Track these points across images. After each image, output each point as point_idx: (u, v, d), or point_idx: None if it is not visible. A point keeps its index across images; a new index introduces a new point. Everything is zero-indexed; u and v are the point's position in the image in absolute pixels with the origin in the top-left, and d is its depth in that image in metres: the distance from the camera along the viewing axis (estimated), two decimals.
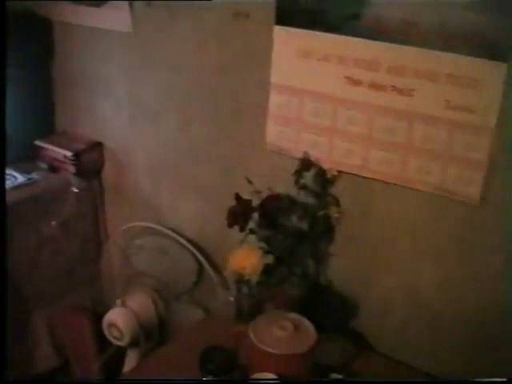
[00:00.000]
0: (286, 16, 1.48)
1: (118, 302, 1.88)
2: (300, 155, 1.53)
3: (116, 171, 2.08)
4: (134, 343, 1.88)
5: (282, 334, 1.31)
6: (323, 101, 1.49)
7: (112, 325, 1.86)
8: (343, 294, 1.57)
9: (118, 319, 1.85)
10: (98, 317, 1.92)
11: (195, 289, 1.89)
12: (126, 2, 1.78)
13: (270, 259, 1.49)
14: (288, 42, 1.50)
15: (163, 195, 1.97)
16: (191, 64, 1.73)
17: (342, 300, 1.56)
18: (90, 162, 2.05)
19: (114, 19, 1.84)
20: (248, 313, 1.45)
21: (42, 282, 2.00)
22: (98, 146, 2.06)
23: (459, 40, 1.25)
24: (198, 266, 1.84)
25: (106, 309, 1.91)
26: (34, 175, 2.00)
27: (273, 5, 1.48)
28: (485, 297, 1.38)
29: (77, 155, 1.99)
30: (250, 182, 1.50)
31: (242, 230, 1.47)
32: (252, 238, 1.51)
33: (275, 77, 1.55)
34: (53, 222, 2.00)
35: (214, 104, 1.73)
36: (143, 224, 1.95)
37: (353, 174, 1.49)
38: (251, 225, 1.49)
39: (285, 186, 1.53)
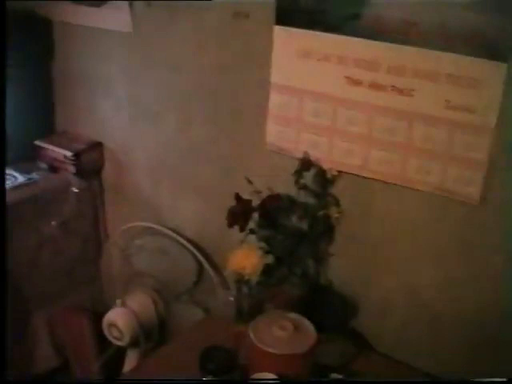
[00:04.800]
0: (286, 16, 1.48)
1: (118, 302, 1.88)
2: (300, 155, 1.53)
3: (116, 171, 2.08)
4: (134, 343, 1.88)
5: (281, 334, 1.31)
6: (323, 101, 1.49)
7: (112, 325, 1.86)
8: (343, 293, 1.57)
9: (118, 319, 1.85)
10: (97, 317, 1.92)
11: (195, 289, 1.89)
12: (126, 2, 1.78)
13: (269, 259, 1.49)
14: (288, 42, 1.50)
15: (163, 195, 1.97)
16: (191, 64, 1.73)
17: (342, 300, 1.56)
18: (90, 162, 2.05)
19: (114, 19, 1.84)
20: (248, 313, 1.45)
21: (41, 282, 2.00)
22: (98, 146, 2.06)
23: (459, 40, 1.25)
24: (198, 266, 1.84)
25: (106, 309, 1.91)
26: (34, 175, 2.00)
27: (273, 5, 1.48)
28: (485, 297, 1.38)
29: (77, 155, 1.99)
30: (250, 181, 1.50)
31: (242, 230, 1.47)
32: (252, 237, 1.51)
33: (275, 77, 1.55)
34: (53, 222, 2.00)
35: (214, 104, 1.73)
36: (143, 224, 1.95)
37: (353, 174, 1.49)
38: (251, 225, 1.49)
39: (285, 186, 1.53)
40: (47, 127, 2.13)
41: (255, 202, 1.50)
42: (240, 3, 1.56)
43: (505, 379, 1.21)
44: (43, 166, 2.05)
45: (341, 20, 1.39)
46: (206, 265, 1.82)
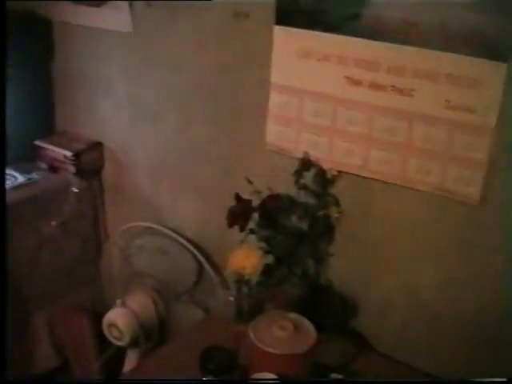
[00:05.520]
0: (286, 16, 1.48)
1: (118, 302, 1.88)
2: (300, 155, 1.53)
3: (116, 171, 2.08)
4: (134, 343, 1.88)
5: (281, 334, 1.31)
6: (323, 101, 1.49)
7: (112, 325, 1.86)
8: (343, 293, 1.57)
9: (118, 319, 1.85)
10: (97, 317, 1.92)
11: (195, 289, 1.89)
12: (126, 2, 1.78)
13: (269, 259, 1.49)
14: (288, 42, 1.50)
15: (163, 195, 1.97)
16: (191, 64, 1.73)
17: (342, 300, 1.56)
18: (90, 161, 2.05)
19: (114, 19, 1.84)
20: (248, 313, 1.45)
21: (42, 282, 2.00)
22: (98, 146, 2.06)
23: (459, 40, 1.25)
24: (198, 266, 1.84)
25: (106, 309, 1.91)
26: (34, 175, 2.00)
27: (273, 5, 1.48)
28: (485, 297, 1.38)
29: (77, 155, 1.99)
30: (250, 181, 1.50)
31: (242, 230, 1.47)
32: (252, 237, 1.51)
33: (275, 77, 1.55)
34: (53, 222, 2.00)
35: (214, 104, 1.73)
36: (143, 224, 1.95)
37: (353, 174, 1.49)
38: (251, 225, 1.49)
39: (285, 186, 1.53)
40: (47, 127, 2.13)
41: (255, 202, 1.50)
42: (240, 3, 1.56)
43: (505, 379, 1.21)
44: (43, 166, 2.05)
45: (341, 20, 1.39)
46: (206, 265, 1.82)
